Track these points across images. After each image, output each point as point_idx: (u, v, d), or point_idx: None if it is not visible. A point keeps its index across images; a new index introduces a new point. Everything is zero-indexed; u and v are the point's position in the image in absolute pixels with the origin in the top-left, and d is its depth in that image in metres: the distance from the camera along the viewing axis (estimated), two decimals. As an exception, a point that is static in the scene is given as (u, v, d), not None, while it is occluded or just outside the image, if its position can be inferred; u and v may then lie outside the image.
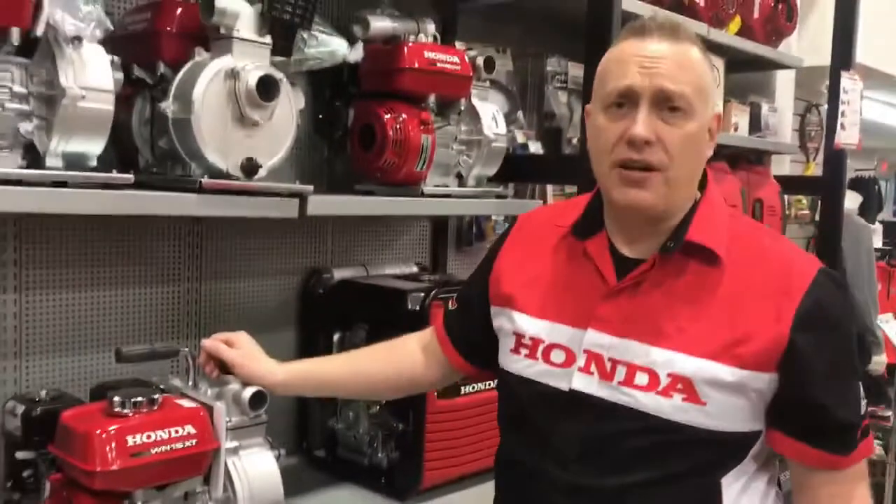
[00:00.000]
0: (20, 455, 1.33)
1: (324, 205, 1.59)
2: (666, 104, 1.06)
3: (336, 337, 1.94)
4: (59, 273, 1.59)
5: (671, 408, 1.06)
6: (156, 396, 1.27)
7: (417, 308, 1.77)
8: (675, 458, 1.07)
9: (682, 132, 1.07)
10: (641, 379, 1.08)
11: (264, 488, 1.36)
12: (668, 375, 1.06)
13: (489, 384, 1.88)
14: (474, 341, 1.34)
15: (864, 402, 1.10)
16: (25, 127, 1.23)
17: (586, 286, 1.15)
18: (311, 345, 1.98)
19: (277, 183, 1.50)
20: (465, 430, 1.84)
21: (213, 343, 1.36)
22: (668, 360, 1.06)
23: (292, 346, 2.00)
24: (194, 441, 1.26)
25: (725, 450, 1.08)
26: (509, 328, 1.22)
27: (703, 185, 1.17)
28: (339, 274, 2.02)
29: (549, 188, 2.44)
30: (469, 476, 1.87)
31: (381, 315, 1.86)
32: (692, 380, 1.05)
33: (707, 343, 1.06)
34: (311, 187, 1.53)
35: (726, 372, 1.05)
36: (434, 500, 1.79)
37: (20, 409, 1.35)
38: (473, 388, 1.86)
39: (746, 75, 3.08)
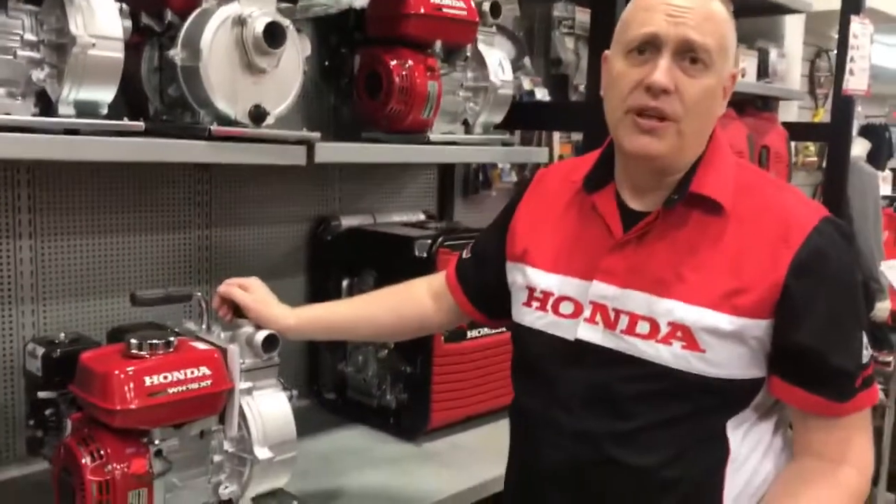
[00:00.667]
0: (41, 395, 1.38)
1: (331, 152, 1.60)
2: (688, 55, 1.07)
3: (345, 283, 1.97)
4: (72, 219, 1.62)
5: (671, 355, 1.09)
6: (171, 339, 1.31)
7: (424, 255, 1.80)
8: (677, 403, 1.10)
9: (700, 84, 1.08)
10: (643, 328, 1.11)
11: (277, 427, 1.40)
12: (668, 324, 1.09)
13: (494, 329, 1.92)
14: (488, 292, 1.38)
15: (866, 353, 1.11)
16: (37, 74, 1.24)
17: (594, 239, 1.18)
18: (321, 291, 2.01)
19: (285, 130, 1.51)
20: (470, 372, 1.89)
21: (227, 287, 1.40)
22: (669, 310, 1.09)
23: (302, 293, 2.04)
24: (209, 382, 1.30)
25: (727, 396, 1.11)
26: (522, 282, 1.26)
27: (710, 139, 1.18)
28: (347, 222, 2.04)
29: (556, 136, 2.45)
30: (475, 417, 1.93)
31: (389, 262, 1.89)
32: (691, 328, 1.08)
33: (707, 292, 1.08)
34: (318, 134, 1.54)
35: (724, 320, 1.07)
36: (441, 440, 1.85)
37: (40, 350, 1.39)
38: (479, 332, 1.90)
39: (755, 20, 3.05)
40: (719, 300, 1.08)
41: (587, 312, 1.16)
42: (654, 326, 1.10)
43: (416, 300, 1.46)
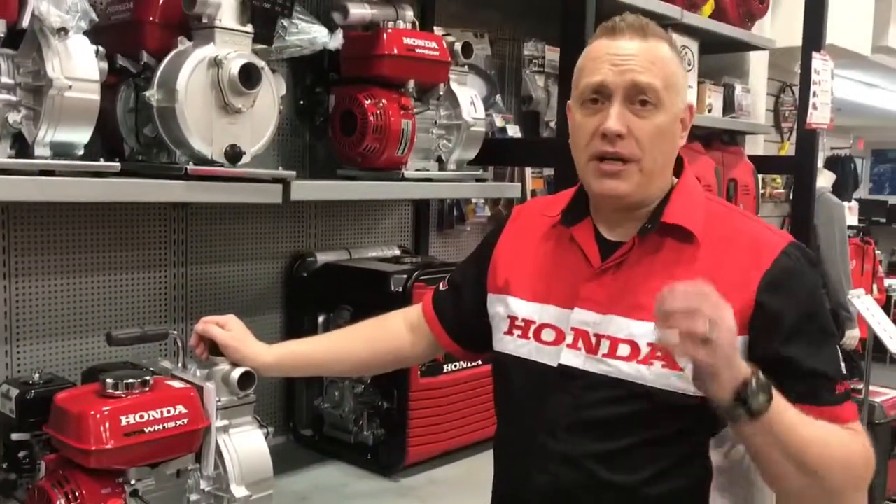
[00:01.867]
0: (15, 437, 1.36)
1: (307, 190, 1.62)
2: (637, 98, 1.13)
3: (321, 319, 1.98)
4: (48, 259, 1.63)
5: (652, 375, 1.13)
6: (147, 378, 1.31)
7: (400, 290, 1.82)
8: (661, 422, 1.13)
9: (652, 124, 1.14)
10: (623, 350, 1.15)
11: (254, 465, 1.40)
12: (648, 345, 1.13)
13: (470, 363, 1.93)
14: (466, 325, 1.40)
15: (843, 365, 1.15)
16: (13, 117, 1.26)
17: (573, 269, 1.22)
18: (297, 328, 2.02)
19: (261, 169, 1.53)
20: (447, 406, 1.90)
21: (204, 325, 1.40)
22: (648, 332, 1.12)
23: (278, 330, 2.04)
24: (185, 420, 1.30)
25: (707, 413, 1.12)
26: (504, 313, 1.29)
27: (679, 170, 1.24)
28: (323, 258, 2.06)
29: (528, 171, 2.49)
30: (452, 451, 1.93)
31: (365, 297, 1.90)
32: None
33: None
34: (293, 173, 1.57)
35: None
36: (418, 475, 1.85)
37: (14, 392, 1.38)
38: (455, 366, 1.91)
39: (720, 57, 3.14)
40: None
41: (569, 338, 1.19)
42: (635, 348, 1.14)
43: (393, 334, 1.47)
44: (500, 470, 1.32)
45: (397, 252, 2.22)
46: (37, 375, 1.41)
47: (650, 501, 1.14)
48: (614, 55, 1.14)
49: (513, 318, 1.27)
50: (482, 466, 1.91)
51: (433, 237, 2.40)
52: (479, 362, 1.94)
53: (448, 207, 2.40)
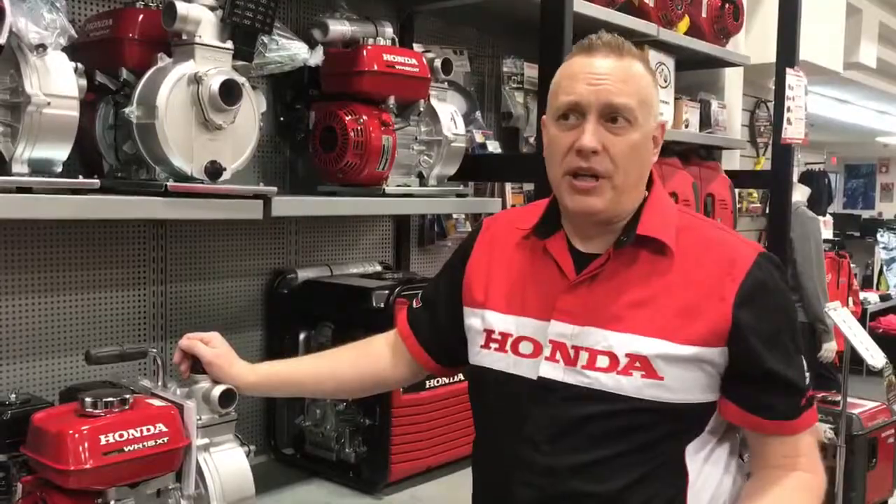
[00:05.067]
0: (-9, 458, 1.34)
1: (288, 206, 1.62)
2: (611, 116, 1.15)
3: (302, 336, 1.97)
4: (25, 277, 1.61)
5: (631, 385, 1.14)
6: (126, 396, 1.29)
7: (382, 306, 1.81)
8: (640, 431, 1.15)
9: (626, 141, 1.16)
10: (602, 361, 1.16)
11: (235, 484, 1.38)
12: (627, 356, 1.14)
13: (452, 378, 1.93)
14: (441, 340, 1.40)
15: (808, 374, 1.20)
16: (-10, 134, 1.25)
17: (549, 281, 1.23)
18: (278, 345, 2.01)
19: (241, 185, 1.53)
20: (430, 423, 1.89)
21: (190, 341, 1.39)
22: (626, 342, 1.15)
23: (259, 347, 2.03)
24: (166, 439, 1.28)
25: (684, 421, 1.16)
26: (479, 326, 1.29)
27: (650, 185, 1.26)
28: (304, 274, 2.05)
29: (508, 186, 2.50)
30: (435, 468, 1.92)
31: (346, 314, 1.89)
32: (648, 357, 1.14)
33: (659, 324, 1.15)
34: (274, 189, 1.56)
35: (679, 348, 1.13)
36: (401, 492, 1.84)
37: (-10, 413, 1.36)
38: (438, 382, 1.91)
39: (696, 73, 3.18)
40: (671, 330, 1.14)
41: (547, 351, 1.20)
42: (613, 359, 1.15)
43: (375, 356, 1.46)
44: (479, 484, 1.32)
45: (378, 268, 2.22)
46: (13, 396, 1.39)
47: None
48: (590, 73, 1.16)
49: (489, 332, 1.27)
50: (465, 482, 1.90)
51: (414, 253, 2.40)
52: (461, 377, 1.94)
53: (429, 223, 2.40)
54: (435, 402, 1.89)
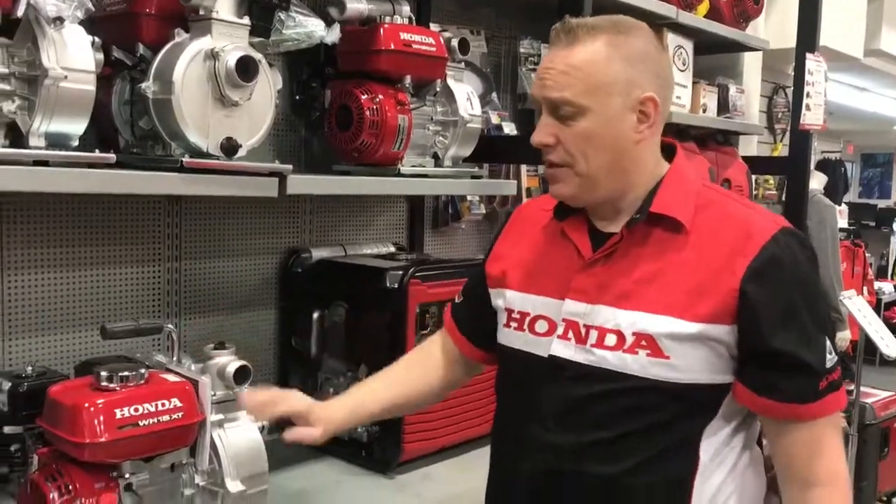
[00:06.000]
0: (7, 430, 1.35)
1: (303, 184, 1.61)
2: (555, 109, 1.16)
3: (315, 315, 1.97)
4: (40, 253, 1.61)
5: (637, 364, 1.14)
6: (142, 371, 1.30)
7: (396, 286, 1.81)
8: (645, 412, 1.14)
9: (576, 130, 1.15)
10: (610, 340, 1.16)
11: (249, 460, 1.39)
12: (633, 334, 1.14)
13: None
14: (482, 327, 1.40)
15: (831, 357, 1.14)
16: (7, 107, 1.24)
17: (565, 261, 1.24)
18: (291, 324, 2.01)
19: (257, 162, 1.52)
20: (442, 403, 1.88)
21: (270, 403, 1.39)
22: (632, 320, 1.14)
23: (272, 326, 2.03)
24: (180, 414, 1.28)
25: (692, 403, 1.15)
26: (502, 305, 1.31)
27: (673, 160, 1.24)
28: (318, 253, 2.05)
29: (524, 168, 2.48)
30: (448, 448, 1.92)
31: (360, 293, 1.89)
32: (654, 335, 1.13)
33: (666, 301, 1.14)
34: (290, 167, 1.56)
35: (685, 326, 1.12)
36: (413, 472, 1.84)
37: (6, 384, 1.37)
38: (451, 362, 1.90)
39: (715, 57, 3.14)
40: (679, 308, 1.13)
41: (560, 329, 1.20)
42: (620, 337, 1.15)
43: (435, 366, 1.47)
44: (493, 458, 1.34)
45: (392, 249, 2.21)
46: (29, 368, 1.40)
47: (634, 491, 1.15)
48: (542, 67, 1.18)
49: (510, 311, 1.29)
50: (478, 463, 1.90)
51: (428, 235, 2.39)
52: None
53: (443, 205, 2.39)
54: (448, 382, 1.89)
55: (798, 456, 1.15)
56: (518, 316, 1.27)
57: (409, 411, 1.64)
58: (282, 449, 1.56)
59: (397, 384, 1.46)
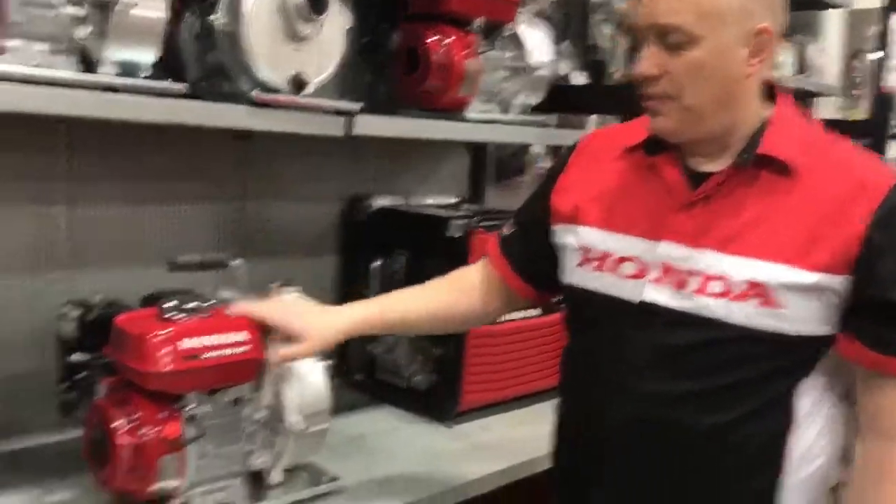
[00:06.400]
0: (75, 357, 1.36)
1: (370, 125, 1.58)
2: (664, 36, 1.07)
3: (376, 264, 1.95)
4: (108, 187, 1.62)
5: (743, 313, 1.07)
6: (208, 304, 1.29)
7: (458, 235, 1.77)
8: (746, 364, 1.08)
9: (685, 60, 1.07)
10: (714, 287, 1.09)
11: (312, 398, 1.38)
12: (743, 282, 1.07)
13: (528, 312, 1.89)
14: (536, 264, 1.34)
15: None
16: (79, 33, 1.23)
17: (658, 199, 1.16)
18: (352, 271, 2.00)
19: (325, 100, 1.50)
20: (504, 355, 1.86)
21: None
22: (742, 267, 1.07)
23: (333, 273, 2.02)
24: (245, 348, 1.28)
25: (796, 356, 1.09)
26: (575, 243, 1.23)
27: (776, 100, 1.16)
28: (379, 202, 2.02)
29: (592, 120, 2.41)
30: (505, 402, 1.90)
31: (422, 243, 1.86)
32: (767, 284, 1.06)
33: (778, 248, 1.07)
34: (358, 105, 1.53)
35: (802, 275, 1.05)
36: (471, 423, 1.82)
37: (75, 313, 1.38)
38: (513, 314, 1.87)
39: (794, 14, 2.99)
40: (793, 255, 1.06)
41: (653, 273, 1.14)
42: (727, 285, 1.08)
43: (469, 292, 1.40)
44: (569, 408, 1.28)
45: (454, 201, 2.17)
46: (98, 297, 1.41)
47: (728, 447, 1.10)
48: None
49: (586, 250, 1.21)
50: (536, 417, 1.89)
51: (490, 188, 2.34)
52: (539, 311, 1.90)
53: (507, 158, 2.34)
54: (510, 334, 1.86)
55: (889, 409, 1.10)
56: (598, 256, 1.19)
57: (430, 331, 1.54)
58: (338, 394, 1.55)
59: (425, 300, 1.39)
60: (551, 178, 1.33)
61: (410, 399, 1.87)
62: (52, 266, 1.56)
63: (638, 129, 1.21)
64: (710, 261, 1.10)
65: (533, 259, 1.34)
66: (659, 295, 1.13)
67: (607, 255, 1.19)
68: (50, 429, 1.54)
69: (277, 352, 1.28)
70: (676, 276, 1.12)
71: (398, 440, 1.70)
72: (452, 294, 1.40)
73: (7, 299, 1.51)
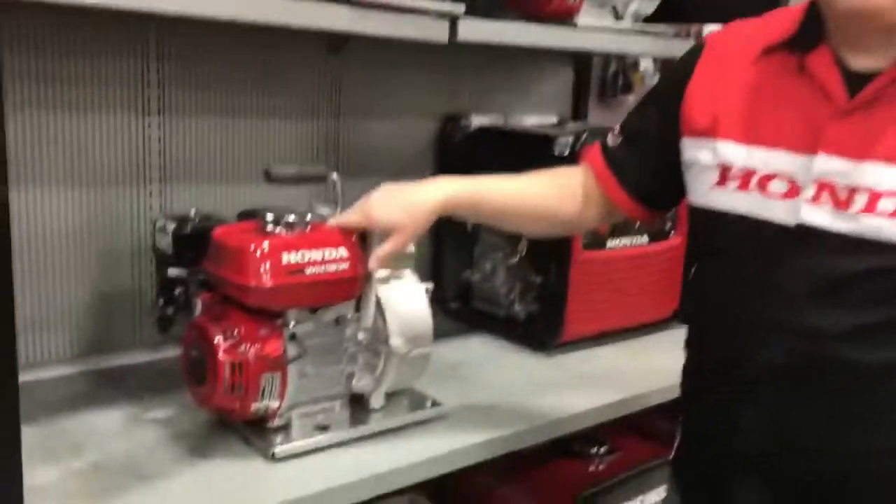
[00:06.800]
0: (172, 272, 1.31)
1: (474, 29, 1.46)
2: None
3: (474, 186, 1.85)
4: (200, 97, 1.55)
5: None
6: (308, 218, 1.22)
7: (566, 153, 1.65)
8: None
9: None
10: (886, 205, 0.93)
11: (414, 320, 1.30)
12: None
13: (635, 240, 1.77)
14: (649, 182, 1.20)
15: None
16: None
17: (809, 106, 1.00)
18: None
19: (428, 1, 1.38)
20: (609, 283, 1.74)
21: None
22: None
23: (428, 194, 1.93)
24: (346, 265, 1.20)
25: None
26: (711, 160, 1.08)
27: None
28: (478, 120, 1.91)
29: (707, 29, 2.22)
30: (610, 333, 1.79)
31: (526, 163, 1.72)
32: None
33: None
34: (462, 6, 1.41)
35: None
36: (573, 353, 1.72)
37: (171, 226, 1.33)
38: (620, 241, 1.75)
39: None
40: None
41: (809, 191, 0.98)
42: None
43: (571, 195, 1.26)
44: (705, 343, 1.14)
45: (555, 120, 2.04)
46: (193, 211, 1.35)
47: (891, 389, 0.97)
48: None
49: (725, 167, 1.06)
50: (642, 350, 1.78)
51: (594, 107, 2.20)
52: (647, 239, 1.78)
53: (613, 74, 2.18)
54: (616, 262, 1.74)
55: None
56: (740, 174, 1.04)
57: (522, 228, 1.39)
58: (435, 323, 1.48)
59: (527, 193, 1.25)
60: (675, 86, 1.15)
61: (508, 328, 1.79)
62: (146, 180, 1.51)
63: (777, 25, 1.05)
64: (879, 175, 0.94)
65: (646, 176, 1.20)
66: (818, 216, 0.97)
67: (752, 173, 1.03)
68: (148, 346, 1.52)
69: (376, 255, 1.19)
70: (838, 195, 0.96)
71: (497, 369, 1.62)
72: (554, 192, 1.26)
73: (101, 212, 1.47)
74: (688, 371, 1.18)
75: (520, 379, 1.57)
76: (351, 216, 1.22)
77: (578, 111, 2.15)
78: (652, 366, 1.67)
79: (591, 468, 1.74)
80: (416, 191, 1.20)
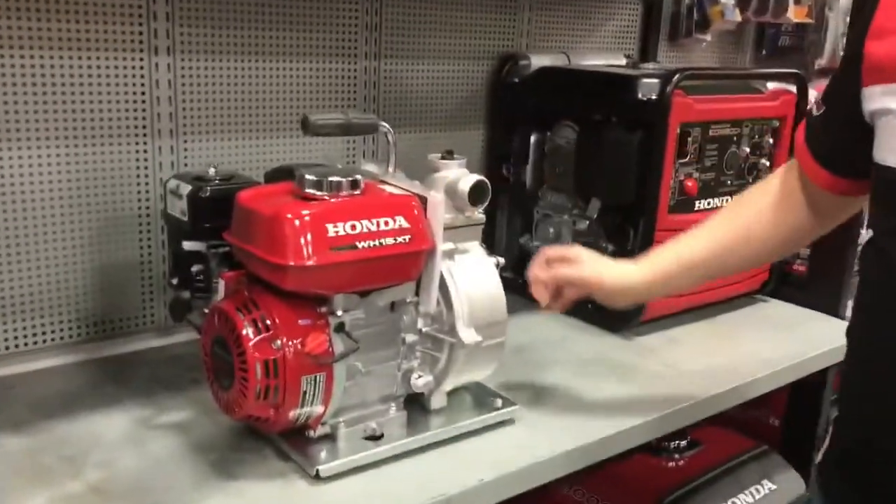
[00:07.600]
0: (187, 246, 1.07)
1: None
2: None
3: (534, 138, 1.60)
4: (218, 34, 1.29)
5: None
6: (357, 179, 0.96)
7: (653, 97, 1.38)
8: None
9: None
10: None
11: (486, 303, 1.06)
12: None
13: (729, 201, 1.51)
14: (842, 146, 0.95)
15: None
16: None
17: None
18: (503, 146, 1.64)
19: None
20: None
21: (552, 272, 1.13)
22: None
23: (479, 147, 1.68)
24: (407, 237, 0.95)
25: None
26: None
27: None
28: (538, 61, 1.64)
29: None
30: (694, 309, 1.54)
31: (599, 109, 1.47)
32: None
33: None
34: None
35: None
36: (653, 334, 1.48)
37: (186, 188, 1.07)
38: (709, 203, 1.50)
39: None
40: None
41: None
42: None
43: (781, 204, 1.05)
44: (885, 335, 0.89)
45: (623, 61, 1.77)
46: (212, 170, 1.10)
47: None
48: None
49: None
50: (735, 328, 1.54)
51: (664, 47, 1.93)
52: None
53: (687, 9, 1.90)
54: (705, 227, 1.48)
55: None
56: None
57: (738, 270, 1.21)
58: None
59: (716, 237, 1.09)
60: (861, 19, 0.89)
61: (577, 304, 1.53)
62: (154, 133, 1.26)
63: None
64: None
65: (838, 141, 0.96)
66: None
67: None
68: (158, 329, 1.29)
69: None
70: None
71: (569, 353, 1.38)
72: (776, 220, 1.06)
73: (101, 172, 1.23)
74: (853, 363, 0.93)
75: (598, 366, 1.34)
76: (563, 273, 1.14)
77: (647, 52, 1.88)
78: (749, 348, 1.44)
79: (671, 464, 1.52)
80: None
